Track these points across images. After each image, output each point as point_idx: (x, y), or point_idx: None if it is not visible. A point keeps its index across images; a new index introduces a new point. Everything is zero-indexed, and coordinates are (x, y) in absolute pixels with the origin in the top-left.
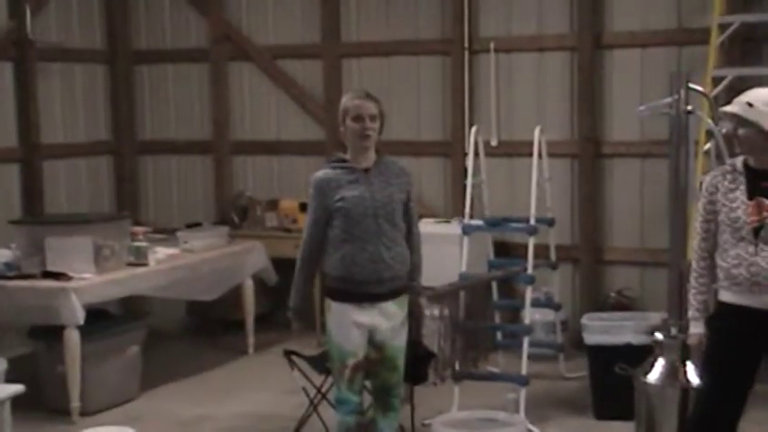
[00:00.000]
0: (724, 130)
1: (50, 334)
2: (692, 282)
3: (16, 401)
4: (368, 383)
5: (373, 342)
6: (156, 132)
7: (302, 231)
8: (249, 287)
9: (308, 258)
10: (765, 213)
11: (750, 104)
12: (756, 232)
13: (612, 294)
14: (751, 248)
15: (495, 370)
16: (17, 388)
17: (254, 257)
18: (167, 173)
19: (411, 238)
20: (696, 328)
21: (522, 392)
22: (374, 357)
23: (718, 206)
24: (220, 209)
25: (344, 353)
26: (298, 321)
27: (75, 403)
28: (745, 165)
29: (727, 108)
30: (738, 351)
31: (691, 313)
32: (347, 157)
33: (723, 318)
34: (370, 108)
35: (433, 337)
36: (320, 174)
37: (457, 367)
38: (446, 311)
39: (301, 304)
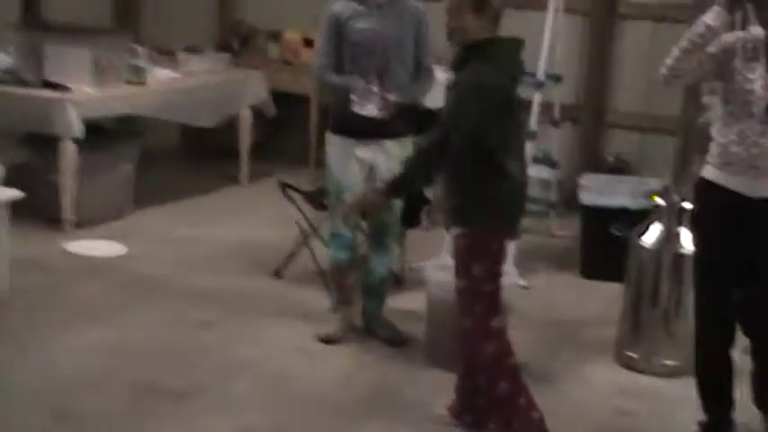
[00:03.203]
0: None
1: (45, 144)
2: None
3: (11, 208)
4: (363, 223)
5: (372, 180)
6: None
7: (310, 62)
8: (246, 117)
9: (325, 75)
10: None
11: None
12: None
13: (610, 158)
14: (758, 127)
15: None
16: (16, 193)
17: (253, 87)
18: None
19: (418, 70)
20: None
21: (513, 245)
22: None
23: (734, 74)
24: (222, 35)
25: (342, 187)
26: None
27: (69, 215)
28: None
29: None
30: (722, 234)
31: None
32: None
33: (705, 196)
34: None
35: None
36: (335, 4)
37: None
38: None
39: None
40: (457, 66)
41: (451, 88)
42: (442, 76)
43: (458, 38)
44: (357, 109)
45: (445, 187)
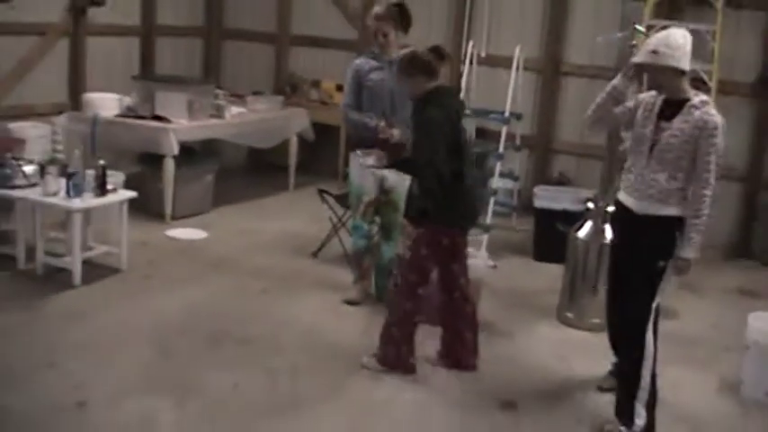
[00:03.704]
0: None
1: (153, 160)
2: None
3: (129, 205)
4: (377, 219)
5: (383, 188)
6: (237, 23)
7: (340, 102)
8: (294, 141)
9: (348, 112)
10: (658, 136)
11: (655, 52)
12: (651, 149)
13: (555, 174)
14: (644, 162)
15: None
16: (132, 193)
17: (299, 120)
18: (242, 54)
19: None
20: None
21: (486, 237)
22: (383, 200)
23: (636, 122)
24: (277, 83)
25: (361, 192)
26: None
27: (168, 210)
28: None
29: (637, 59)
30: (617, 237)
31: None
32: (377, 51)
33: (615, 209)
34: (383, 27)
35: None
36: (358, 60)
37: None
38: None
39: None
40: (415, 112)
41: (415, 130)
42: None
43: (413, 93)
44: (361, 161)
45: (417, 193)
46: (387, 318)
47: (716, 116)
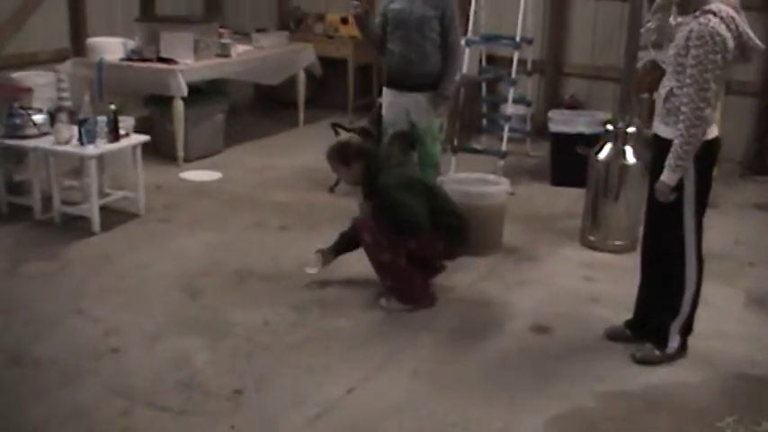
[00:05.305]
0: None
1: (162, 102)
2: None
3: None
4: None
5: (409, 119)
6: None
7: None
8: (301, 76)
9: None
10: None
11: None
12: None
13: (567, 97)
14: (665, 80)
15: (479, 147)
16: (145, 137)
17: (305, 55)
18: None
19: (446, 49)
20: None
21: (501, 163)
22: (412, 132)
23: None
24: (281, 18)
25: (388, 123)
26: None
27: (180, 153)
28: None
29: None
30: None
31: None
32: None
33: None
34: None
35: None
36: None
37: (455, 143)
38: (451, 102)
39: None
40: (370, 195)
41: (386, 209)
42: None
43: (353, 180)
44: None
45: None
46: (380, 264)
47: (706, 26)
